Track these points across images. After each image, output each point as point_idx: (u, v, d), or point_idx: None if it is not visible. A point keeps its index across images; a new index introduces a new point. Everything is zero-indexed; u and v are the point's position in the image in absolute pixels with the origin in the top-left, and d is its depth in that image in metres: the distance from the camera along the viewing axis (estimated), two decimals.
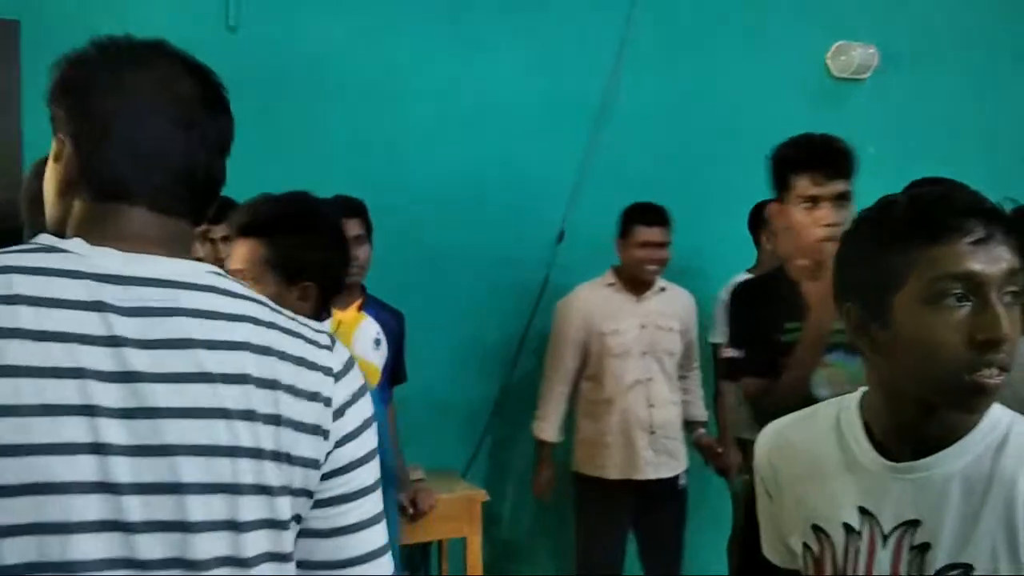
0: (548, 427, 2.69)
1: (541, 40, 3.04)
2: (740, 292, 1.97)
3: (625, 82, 3.10)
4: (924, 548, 0.93)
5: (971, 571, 0.89)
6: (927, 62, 3.63)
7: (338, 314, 1.71)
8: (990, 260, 0.87)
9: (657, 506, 2.60)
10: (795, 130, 3.33)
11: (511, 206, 3.00)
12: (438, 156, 2.86)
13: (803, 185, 1.65)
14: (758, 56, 3.33)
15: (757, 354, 1.74)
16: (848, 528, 1.00)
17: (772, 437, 1.13)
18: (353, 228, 2.18)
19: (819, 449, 1.05)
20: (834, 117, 3.45)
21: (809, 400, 1.29)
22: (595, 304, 2.65)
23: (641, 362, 2.59)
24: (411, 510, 2.35)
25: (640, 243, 2.59)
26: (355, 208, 2.29)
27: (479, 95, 2.95)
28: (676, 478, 2.64)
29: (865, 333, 0.96)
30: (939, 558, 0.91)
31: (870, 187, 3.96)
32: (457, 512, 2.53)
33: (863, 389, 1.03)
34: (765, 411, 1.56)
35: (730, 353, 1.85)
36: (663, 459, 2.60)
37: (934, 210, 0.90)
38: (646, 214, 2.63)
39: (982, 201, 0.92)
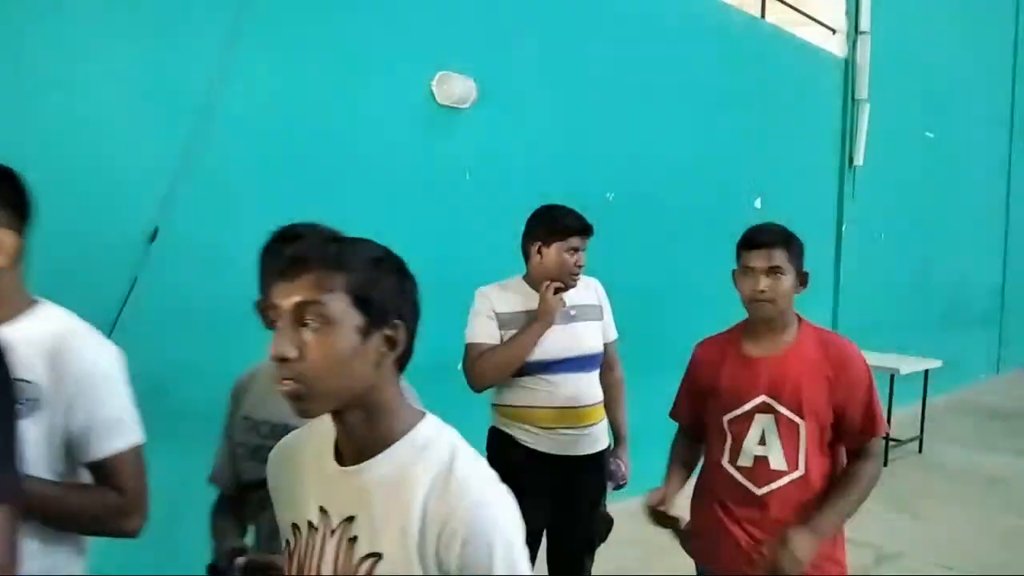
0: None
1: (144, 38, 2.80)
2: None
3: (234, 85, 2.98)
4: (354, 540, 1.06)
5: (380, 558, 1.03)
6: (521, 95, 4.10)
7: None
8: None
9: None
10: (407, 151, 3.61)
11: (101, 203, 2.70)
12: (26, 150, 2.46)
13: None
14: (367, 73, 3.46)
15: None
16: (310, 525, 1.11)
17: (279, 446, 1.25)
18: None
19: (303, 455, 1.18)
20: (442, 142, 3.76)
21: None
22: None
23: None
24: None
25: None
26: None
27: (71, 92, 2.62)
28: None
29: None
30: (361, 548, 1.05)
31: (473, 210, 4.39)
32: None
33: None
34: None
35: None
36: None
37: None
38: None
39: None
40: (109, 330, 2.69)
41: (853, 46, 6.85)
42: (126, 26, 2.78)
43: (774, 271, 1.95)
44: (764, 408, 1.95)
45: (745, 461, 1.98)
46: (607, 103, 4.60)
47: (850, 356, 1.97)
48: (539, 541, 2.59)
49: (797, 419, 1.93)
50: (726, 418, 2.01)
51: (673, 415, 2.27)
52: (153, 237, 2.82)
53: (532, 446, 2.52)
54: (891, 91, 7.16)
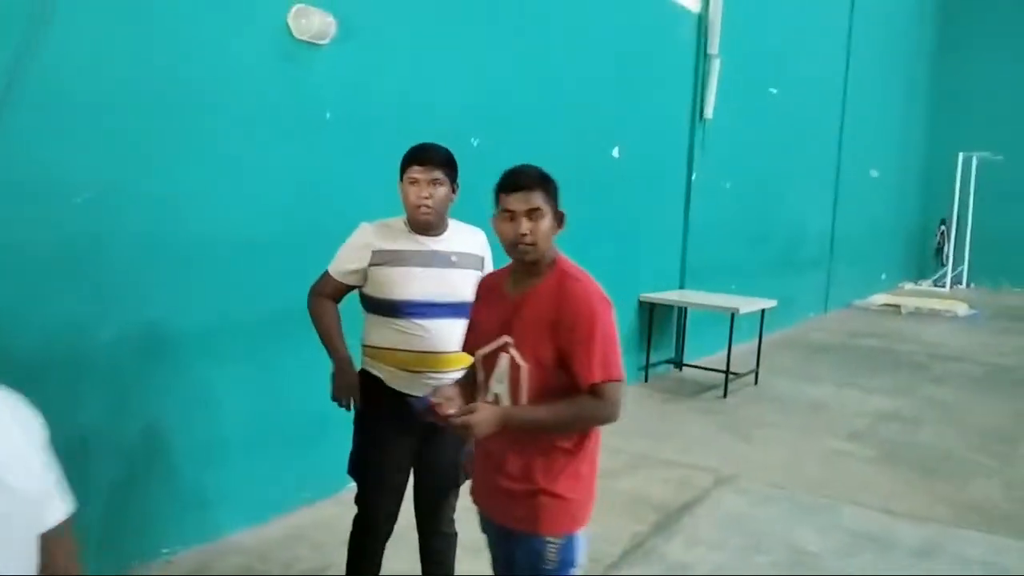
0: None
1: None
2: None
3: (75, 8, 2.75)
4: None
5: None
6: (383, 34, 4.01)
7: None
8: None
9: None
10: (260, 86, 3.46)
11: None
12: None
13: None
14: (219, 3, 3.28)
15: None
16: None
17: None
18: None
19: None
20: (297, 77, 3.63)
21: None
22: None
23: None
24: None
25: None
26: None
27: None
28: None
29: None
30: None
31: (329, 150, 4.30)
32: None
33: None
34: None
35: None
36: None
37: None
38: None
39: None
40: None
41: (706, 2, 7.12)
42: None
43: (534, 213, 1.96)
44: (505, 348, 2.01)
45: (489, 398, 2.05)
46: (467, 46, 4.59)
47: (575, 297, 1.96)
48: (408, 478, 2.67)
49: (521, 361, 1.97)
50: (479, 353, 2.09)
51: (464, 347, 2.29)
52: None
53: (398, 388, 2.54)
54: (740, 47, 7.53)
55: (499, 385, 2.03)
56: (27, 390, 1.12)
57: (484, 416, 1.91)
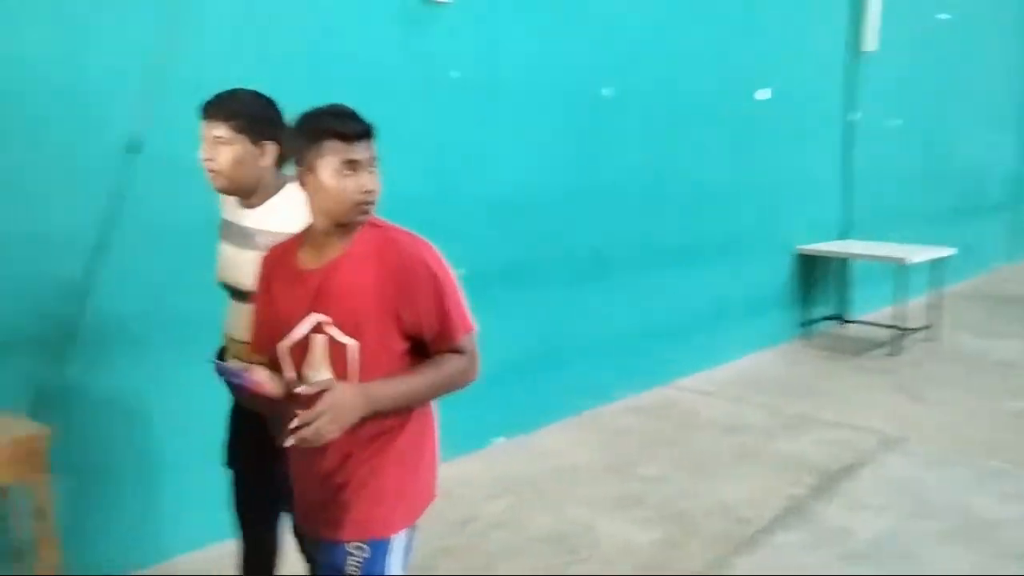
0: None
1: None
2: None
3: None
4: None
5: None
6: None
7: None
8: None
9: None
10: (387, 53, 3.49)
11: (70, 114, 2.62)
12: None
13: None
14: None
15: None
16: None
17: None
18: None
19: None
20: (423, 40, 3.64)
21: None
22: None
23: None
24: None
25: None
26: None
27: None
28: None
29: None
30: None
31: (457, 112, 4.29)
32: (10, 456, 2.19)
33: None
34: None
35: None
36: None
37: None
38: None
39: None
40: (93, 250, 2.68)
41: None
42: None
43: (375, 163, 1.65)
44: (319, 329, 1.65)
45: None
46: None
47: (406, 255, 1.65)
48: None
49: (344, 339, 1.63)
50: (284, 345, 1.70)
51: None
52: (133, 148, 2.75)
53: None
54: None
55: (320, 372, 1.65)
56: None
57: (345, 396, 1.54)
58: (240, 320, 2.04)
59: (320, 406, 1.51)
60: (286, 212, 1.98)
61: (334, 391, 1.54)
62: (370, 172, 1.62)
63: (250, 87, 2.11)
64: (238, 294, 2.10)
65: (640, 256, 4.93)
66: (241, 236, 2.10)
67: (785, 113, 5.95)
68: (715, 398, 4.99)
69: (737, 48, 5.46)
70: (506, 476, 3.79)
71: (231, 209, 2.17)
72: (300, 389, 1.61)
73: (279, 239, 1.84)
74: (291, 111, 1.59)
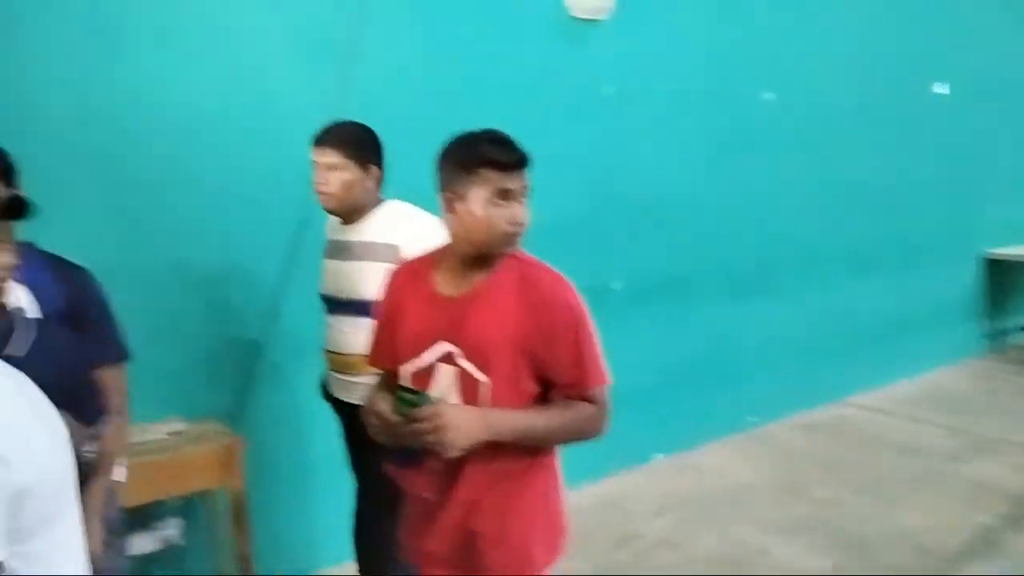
0: None
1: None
2: None
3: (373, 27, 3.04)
4: None
5: None
6: (664, 2, 3.89)
7: None
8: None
9: None
10: (539, 70, 3.55)
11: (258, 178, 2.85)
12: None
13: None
14: None
15: None
16: None
17: None
18: None
19: None
20: (575, 57, 3.67)
21: None
22: None
23: None
24: None
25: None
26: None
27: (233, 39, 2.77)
28: None
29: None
30: None
31: (613, 126, 4.25)
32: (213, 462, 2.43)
33: None
34: None
35: None
36: None
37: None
38: None
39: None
40: (270, 316, 2.89)
41: None
42: None
43: (526, 193, 1.56)
44: (449, 359, 1.57)
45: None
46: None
47: (549, 294, 1.56)
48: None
49: (479, 375, 1.54)
50: (407, 369, 1.63)
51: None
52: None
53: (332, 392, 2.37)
54: None
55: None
56: None
57: (463, 418, 1.47)
58: (337, 332, 2.25)
59: (440, 419, 1.46)
60: (382, 224, 2.20)
61: (452, 409, 1.49)
62: (521, 203, 1.55)
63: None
64: (338, 305, 2.26)
65: (807, 265, 4.72)
66: (339, 250, 2.27)
67: (967, 106, 5.50)
68: (893, 417, 4.67)
69: (911, 39, 5.11)
70: (670, 493, 3.73)
71: (334, 228, 2.34)
72: (417, 416, 1.49)
73: (373, 248, 2.09)
74: (452, 133, 1.62)
